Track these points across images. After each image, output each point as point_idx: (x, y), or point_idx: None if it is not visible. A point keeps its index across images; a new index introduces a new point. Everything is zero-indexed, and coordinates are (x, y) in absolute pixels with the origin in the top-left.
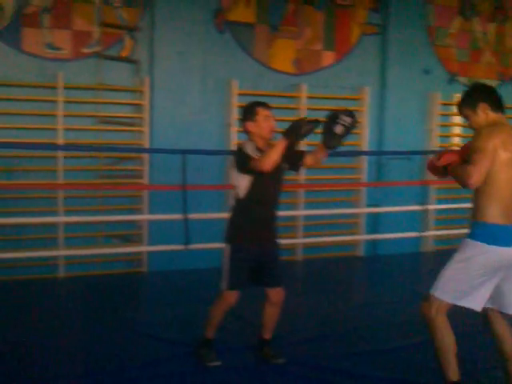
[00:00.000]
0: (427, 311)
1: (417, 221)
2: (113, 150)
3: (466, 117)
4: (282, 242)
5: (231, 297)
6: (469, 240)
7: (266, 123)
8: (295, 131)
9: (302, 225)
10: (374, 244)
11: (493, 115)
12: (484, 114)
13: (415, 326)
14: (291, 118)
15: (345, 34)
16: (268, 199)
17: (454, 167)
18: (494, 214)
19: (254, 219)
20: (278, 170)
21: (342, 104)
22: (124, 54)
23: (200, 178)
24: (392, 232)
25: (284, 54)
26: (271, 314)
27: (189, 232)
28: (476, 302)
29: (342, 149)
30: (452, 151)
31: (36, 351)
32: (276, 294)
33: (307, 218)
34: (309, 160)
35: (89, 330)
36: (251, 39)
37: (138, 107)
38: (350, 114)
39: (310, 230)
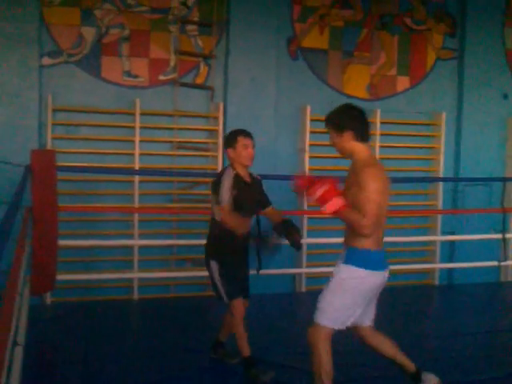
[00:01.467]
0: (311, 337)
1: (495, 249)
2: (187, 175)
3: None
4: None
5: (239, 306)
6: (343, 265)
7: (244, 151)
8: (263, 243)
9: None
10: (449, 272)
11: (354, 145)
12: (347, 141)
13: (503, 358)
14: None
15: (420, 58)
16: (245, 220)
17: (343, 213)
18: (372, 242)
19: (234, 238)
20: (254, 193)
21: (417, 129)
22: (199, 80)
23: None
24: (469, 261)
25: (357, 79)
26: (230, 321)
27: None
28: (346, 323)
29: (417, 175)
30: (330, 185)
31: (112, 371)
32: (244, 303)
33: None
34: (268, 212)
35: (161, 350)
36: (324, 65)
37: (211, 133)
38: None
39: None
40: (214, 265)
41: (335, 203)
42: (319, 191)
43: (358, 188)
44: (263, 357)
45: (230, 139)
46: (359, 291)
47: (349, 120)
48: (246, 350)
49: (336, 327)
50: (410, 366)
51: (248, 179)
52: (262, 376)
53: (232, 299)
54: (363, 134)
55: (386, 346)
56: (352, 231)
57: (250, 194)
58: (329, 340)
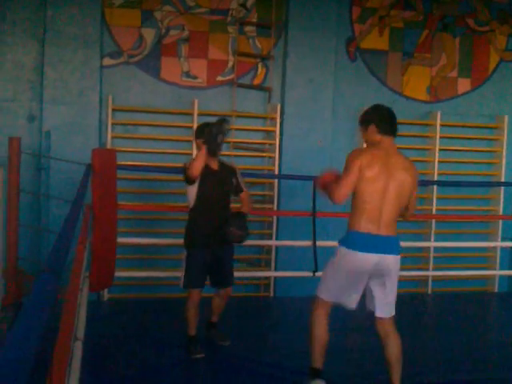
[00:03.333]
0: (312, 306)
1: None
2: (244, 175)
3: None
4: (411, 273)
5: (194, 295)
6: (338, 246)
7: None
8: (214, 138)
9: (433, 256)
10: (509, 280)
11: (378, 137)
12: (372, 134)
13: None
14: (425, 147)
15: (482, 60)
16: (213, 208)
17: (326, 185)
18: (358, 223)
19: (202, 227)
20: (221, 181)
21: (478, 133)
22: (257, 81)
23: (327, 205)
24: None
25: (417, 81)
26: (218, 303)
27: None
28: (348, 302)
29: (478, 179)
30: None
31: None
32: (224, 291)
33: (438, 249)
34: (242, 196)
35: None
36: (384, 66)
37: (269, 133)
38: (220, 125)
39: (441, 263)
40: (184, 253)
41: (324, 177)
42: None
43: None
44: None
45: (200, 131)
46: (341, 268)
47: (372, 115)
48: (191, 331)
49: (329, 300)
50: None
51: (215, 167)
52: (193, 354)
53: (187, 288)
54: (385, 128)
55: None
56: (349, 217)
57: (214, 179)
58: (325, 311)
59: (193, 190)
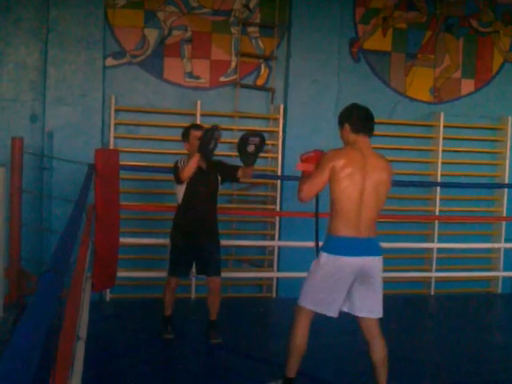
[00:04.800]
0: (294, 315)
1: None
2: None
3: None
4: (414, 275)
5: (172, 282)
6: (320, 252)
7: (197, 142)
8: (206, 146)
9: (436, 258)
10: None
11: (353, 136)
12: (347, 133)
13: None
14: (428, 148)
15: (486, 61)
16: (200, 204)
17: (301, 177)
18: (337, 228)
19: (188, 220)
20: (208, 179)
21: (482, 134)
22: (260, 82)
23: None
24: None
25: (421, 82)
26: (212, 300)
27: None
28: (331, 309)
29: (481, 180)
30: (318, 155)
31: None
32: (212, 282)
33: (441, 251)
34: (240, 174)
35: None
36: (387, 67)
37: (272, 134)
38: (258, 134)
39: (444, 264)
40: (170, 243)
41: (305, 166)
42: (306, 155)
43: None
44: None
45: (185, 134)
46: (324, 274)
47: (347, 115)
48: (167, 312)
49: (312, 308)
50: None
51: (204, 167)
52: (165, 334)
53: (168, 275)
54: (359, 127)
55: (378, 351)
56: (328, 221)
57: (202, 178)
58: (307, 320)
59: (181, 189)
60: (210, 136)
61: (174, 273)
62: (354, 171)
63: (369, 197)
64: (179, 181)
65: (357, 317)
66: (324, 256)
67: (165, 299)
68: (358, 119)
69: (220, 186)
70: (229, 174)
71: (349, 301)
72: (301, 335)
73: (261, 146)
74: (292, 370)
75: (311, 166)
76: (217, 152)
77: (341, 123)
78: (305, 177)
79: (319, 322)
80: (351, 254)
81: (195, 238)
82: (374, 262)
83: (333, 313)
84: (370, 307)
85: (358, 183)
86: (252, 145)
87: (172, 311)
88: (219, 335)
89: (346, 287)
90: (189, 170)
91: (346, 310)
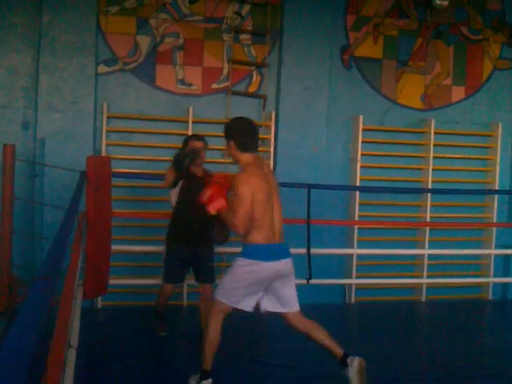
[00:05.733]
0: (211, 310)
1: None
2: None
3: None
4: (405, 281)
5: (167, 288)
6: (238, 257)
7: None
8: (179, 163)
9: (427, 264)
10: (504, 287)
11: (240, 154)
12: (233, 150)
13: None
14: (419, 155)
15: (476, 68)
16: (193, 210)
17: (223, 213)
18: (257, 236)
19: (182, 226)
20: (203, 186)
21: (472, 140)
22: (252, 89)
23: (321, 213)
24: None
25: (412, 89)
26: (203, 307)
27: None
28: (246, 305)
29: (472, 187)
30: (217, 188)
31: None
32: (204, 289)
33: (432, 257)
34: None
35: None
36: (378, 74)
37: (263, 141)
38: (186, 154)
39: (435, 270)
40: (164, 250)
41: (217, 204)
42: (207, 193)
43: (234, 192)
44: (298, 365)
45: (184, 143)
46: (245, 277)
47: (233, 131)
48: (160, 309)
49: (229, 303)
50: (339, 351)
51: (199, 174)
52: (159, 331)
53: (163, 282)
54: (246, 145)
55: (316, 332)
56: (246, 232)
57: (197, 185)
58: (223, 315)
59: (174, 193)
60: (185, 154)
61: (170, 279)
62: (265, 189)
63: (277, 207)
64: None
65: (284, 317)
66: (246, 262)
67: (159, 301)
68: (245, 136)
69: None
70: None
71: (273, 300)
72: (216, 330)
73: (194, 158)
74: (209, 363)
75: (221, 201)
76: (208, 159)
77: (226, 138)
78: (225, 213)
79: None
80: (273, 258)
81: (188, 244)
82: (289, 262)
83: (248, 309)
84: (292, 301)
85: (268, 198)
86: (187, 159)
87: (165, 311)
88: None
89: (263, 288)
90: (167, 180)
91: (278, 310)
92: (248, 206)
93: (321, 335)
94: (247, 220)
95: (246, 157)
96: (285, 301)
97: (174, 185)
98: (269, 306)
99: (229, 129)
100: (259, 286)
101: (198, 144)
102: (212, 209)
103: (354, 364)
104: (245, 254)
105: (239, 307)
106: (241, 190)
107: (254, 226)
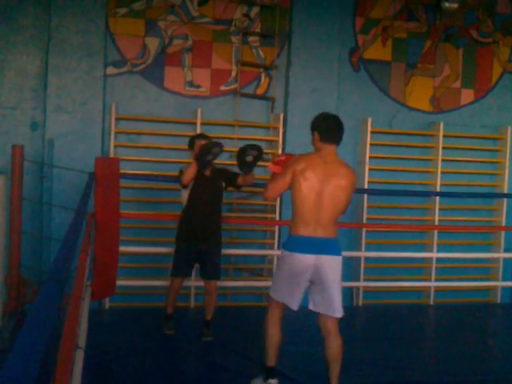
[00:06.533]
0: (266, 306)
1: None
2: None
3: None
4: (413, 284)
5: (175, 282)
6: (281, 250)
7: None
8: (203, 156)
9: (435, 267)
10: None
11: (320, 144)
12: (315, 141)
13: None
14: (427, 158)
15: (485, 71)
16: (203, 208)
17: (270, 178)
18: (296, 227)
19: (191, 224)
20: (212, 186)
21: (481, 144)
22: (260, 91)
23: None
24: None
25: (421, 91)
26: (207, 300)
27: None
28: (293, 301)
29: (481, 190)
30: (286, 159)
31: None
32: (209, 285)
33: (440, 260)
34: (240, 181)
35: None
36: (387, 77)
37: (271, 143)
38: (256, 147)
39: (443, 274)
40: (174, 247)
41: (274, 167)
42: (278, 157)
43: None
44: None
45: (190, 143)
46: (283, 269)
47: (316, 124)
48: (169, 309)
49: (278, 299)
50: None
51: (208, 173)
52: (166, 329)
53: (172, 276)
54: (327, 137)
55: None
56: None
57: (205, 184)
58: (277, 310)
59: (185, 193)
60: (209, 148)
61: (177, 273)
62: (314, 176)
63: (327, 200)
64: (181, 184)
65: (316, 313)
66: (282, 253)
67: (168, 299)
68: (327, 129)
69: (224, 192)
70: (230, 180)
71: (312, 297)
72: (273, 325)
73: (258, 158)
74: (272, 359)
75: (280, 168)
76: (217, 160)
77: (311, 131)
78: (273, 178)
79: None
80: (306, 251)
81: (197, 240)
82: (328, 260)
83: (293, 306)
84: (325, 305)
85: (316, 187)
86: (250, 156)
87: (173, 310)
88: (211, 334)
89: (303, 283)
90: (187, 176)
91: (310, 307)
92: (284, 180)
93: (333, 355)
94: (278, 192)
95: (320, 146)
96: (330, 304)
97: (187, 184)
98: (311, 305)
99: (314, 121)
100: (298, 279)
101: (203, 142)
102: (269, 167)
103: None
104: (284, 245)
105: (286, 303)
106: (285, 166)
107: (296, 214)
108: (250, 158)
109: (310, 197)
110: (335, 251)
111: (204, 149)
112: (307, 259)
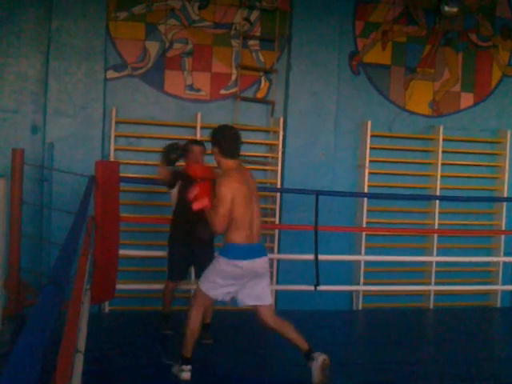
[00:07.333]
0: (192, 300)
1: None
2: None
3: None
4: (413, 288)
5: (170, 284)
6: (219, 255)
7: (191, 155)
8: (166, 157)
9: (435, 271)
10: (511, 295)
11: (223, 159)
12: (217, 156)
13: None
14: (427, 161)
15: (485, 75)
16: (190, 210)
17: (206, 212)
18: (235, 237)
19: (180, 226)
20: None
21: (481, 147)
22: (260, 95)
23: (329, 219)
24: None
25: (420, 95)
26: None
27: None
28: (223, 295)
29: (480, 194)
30: (203, 187)
31: None
32: None
33: (440, 264)
34: None
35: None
36: (386, 81)
37: (271, 147)
38: (176, 145)
39: (443, 277)
40: (167, 249)
41: (201, 203)
42: (193, 191)
43: (216, 194)
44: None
45: (184, 147)
46: (219, 273)
47: (217, 139)
48: (164, 310)
49: (210, 295)
50: (304, 345)
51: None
52: (164, 330)
53: (167, 279)
54: (228, 152)
55: (286, 328)
56: (226, 232)
57: (191, 185)
58: (204, 304)
59: (174, 194)
60: (172, 147)
61: (172, 277)
62: (245, 192)
63: (256, 210)
64: (164, 183)
65: (256, 310)
66: (223, 260)
67: (164, 299)
68: (227, 145)
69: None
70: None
71: (248, 295)
72: (197, 320)
73: (181, 154)
74: (189, 351)
75: (205, 200)
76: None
77: (211, 145)
78: (208, 212)
79: None
80: (248, 257)
81: (188, 244)
82: (265, 260)
83: (226, 299)
84: (265, 296)
85: (247, 201)
86: (174, 154)
87: (169, 310)
88: (211, 336)
89: (240, 283)
90: (160, 176)
91: (252, 303)
92: (227, 207)
93: (290, 331)
94: (226, 220)
95: (228, 162)
96: (259, 295)
97: (171, 185)
98: (246, 299)
99: (213, 136)
100: (238, 281)
101: (197, 149)
102: (196, 206)
103: (319, 359)
104: (225, 253)
105: (218, 298)
106: (221, 192)
107: (233, 226)
108: (174, 156)
109: (246, 211)
110: (266, 252)
111: (167, 148)
112: (250, 264)
